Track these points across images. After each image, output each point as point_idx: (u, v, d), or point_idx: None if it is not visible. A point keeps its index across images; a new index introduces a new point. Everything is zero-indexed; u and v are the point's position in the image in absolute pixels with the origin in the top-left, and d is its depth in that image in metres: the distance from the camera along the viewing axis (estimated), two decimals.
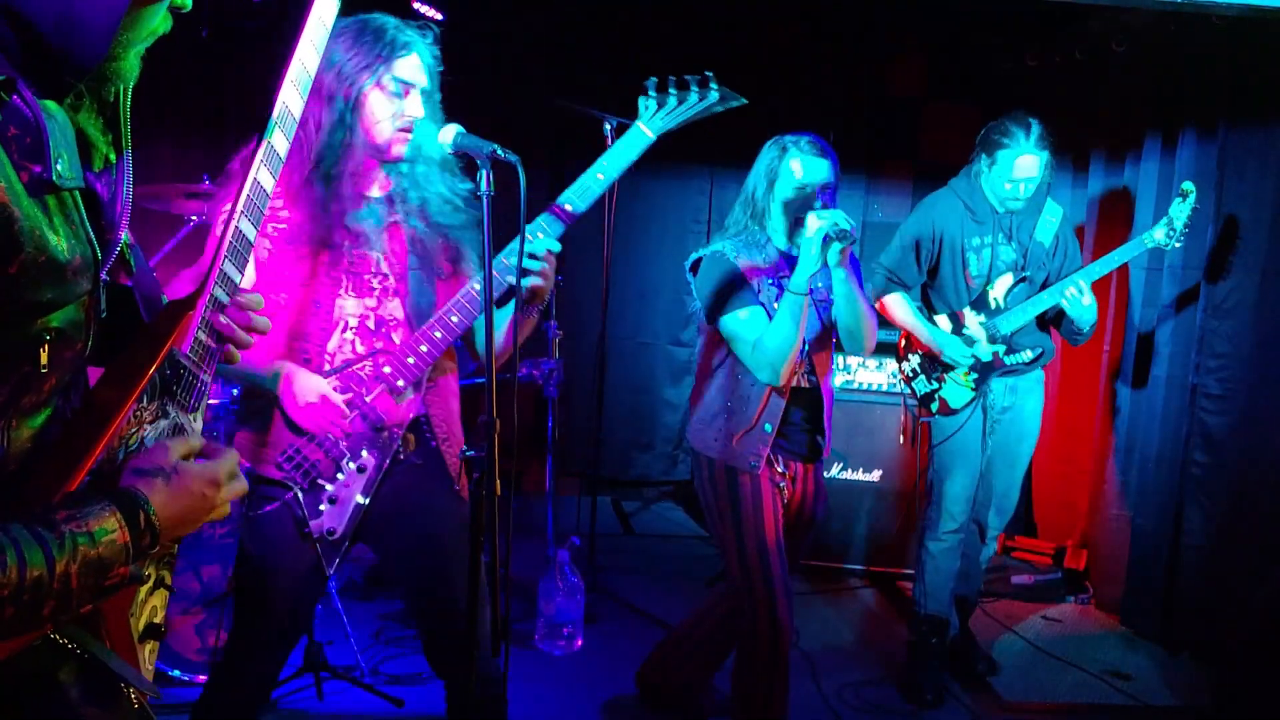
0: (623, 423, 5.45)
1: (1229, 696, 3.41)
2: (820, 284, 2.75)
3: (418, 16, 2.99)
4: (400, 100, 2.03)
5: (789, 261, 2.72)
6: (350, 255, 2.05)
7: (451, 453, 2.18)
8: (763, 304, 2.65)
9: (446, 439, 2.17)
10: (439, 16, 4.00)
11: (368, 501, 2.08)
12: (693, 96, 2.07)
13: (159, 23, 1.10)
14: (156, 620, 1.22)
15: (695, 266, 2.77)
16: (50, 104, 1.03)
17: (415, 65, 2.04)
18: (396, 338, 2.10)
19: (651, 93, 2.08)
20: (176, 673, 3.03)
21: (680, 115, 2.09)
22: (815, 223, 2.49)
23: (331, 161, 2.01)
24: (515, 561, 4.07)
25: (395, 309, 2.10)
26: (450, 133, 1.98)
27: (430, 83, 2.08)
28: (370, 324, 2.08)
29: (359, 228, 2.04)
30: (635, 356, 5.48)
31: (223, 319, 1.27)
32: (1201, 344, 3.83)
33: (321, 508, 2.05)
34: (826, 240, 2.50)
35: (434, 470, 2.15)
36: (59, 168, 1.00)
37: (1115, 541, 4.24)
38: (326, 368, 2.06)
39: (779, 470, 2.76)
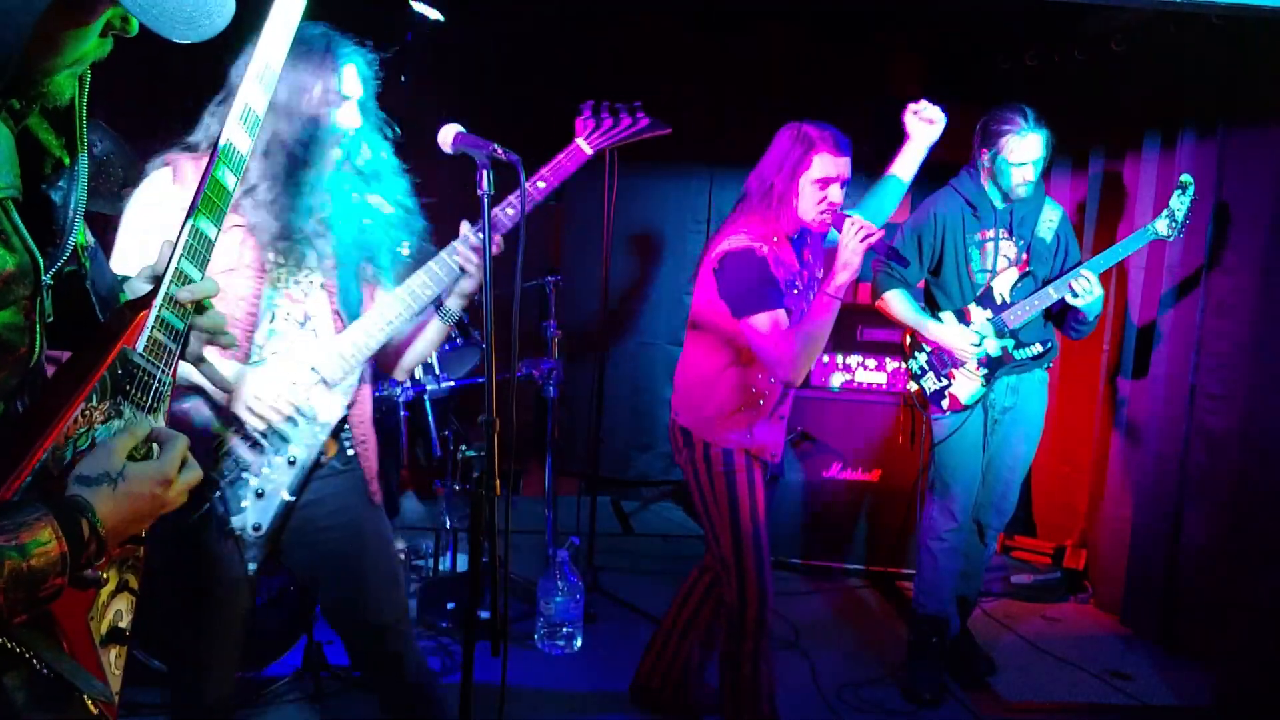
0: (623, 423, 5.44)
1: (1229, 696, 3.41)
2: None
3: (416, 16, 2.99)
4: (334, 110, 1.98)
5: (798, 249, 2.77)
6: (277, 249, 2.01)
7: (369, 458, 2.18)
8: (788, 308, 2.67)
9: (364, 442, 2.16)
10: (439, 16, 3.99)
11: (294, 500, 2.04)
12: (623, 120, 2.37)
13: (90, 48, 1.05)
14: (121, 624, 1.19)
15: (721, 261, 2.72)
16: None
17: (350, 76, 2.00)
18: (324, 334, 2.08)
19: (588, 115, 2.35)
20: (158, 663, 2.93)
21: (614, 137, 2.35)
22: (858, 228, 2.53)
23: (268, 163, 1.97)
24: (515, 561, 4.06)
25: (323, 304, 2.08)
26: (450, 132, 1.97)
27: (365, 91, 2.04)
28: (298, 318, 2.06)
29: (285, 223, 1.99)
30: (635, 356, 5.47)
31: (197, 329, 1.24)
32: (1201, 344, 3.83)
33: (244, 503, 1.99)
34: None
35: (352, 478, 2.15)
36: None
37: (1115, 541, 4.23)
38: (254, 359, 2.01)
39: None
